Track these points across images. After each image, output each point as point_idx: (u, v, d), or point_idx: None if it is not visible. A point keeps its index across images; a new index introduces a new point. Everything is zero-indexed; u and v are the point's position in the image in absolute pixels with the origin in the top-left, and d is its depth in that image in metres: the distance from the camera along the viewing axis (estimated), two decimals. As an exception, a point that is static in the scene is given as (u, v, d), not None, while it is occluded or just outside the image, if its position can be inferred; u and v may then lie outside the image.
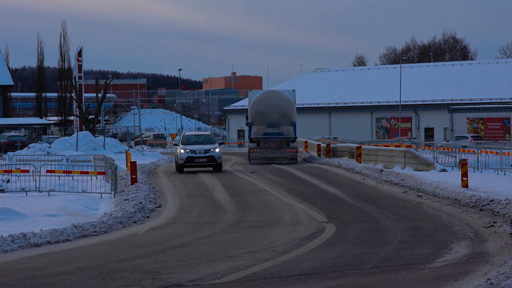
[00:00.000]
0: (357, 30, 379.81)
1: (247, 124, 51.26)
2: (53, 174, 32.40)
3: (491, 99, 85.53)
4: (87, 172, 32.97)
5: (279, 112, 48.45)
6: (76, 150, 54.50)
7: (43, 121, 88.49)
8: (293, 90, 51.13)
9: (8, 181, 33.20)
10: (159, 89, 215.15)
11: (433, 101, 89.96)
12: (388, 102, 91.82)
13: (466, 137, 69.61)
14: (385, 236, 18.71)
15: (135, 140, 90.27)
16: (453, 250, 16.42)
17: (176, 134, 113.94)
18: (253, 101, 49.31)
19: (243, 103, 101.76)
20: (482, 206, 23.79)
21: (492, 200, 23.95)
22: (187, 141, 41.88)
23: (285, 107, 48.59)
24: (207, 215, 24.38)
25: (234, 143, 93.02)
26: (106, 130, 74.15)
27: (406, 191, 29.73)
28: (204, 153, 40.30)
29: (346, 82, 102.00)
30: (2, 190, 31.45)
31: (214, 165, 40.72)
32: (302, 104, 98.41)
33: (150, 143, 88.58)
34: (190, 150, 40.30)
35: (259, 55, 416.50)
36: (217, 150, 40.59)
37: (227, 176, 39.12)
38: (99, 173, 33.47)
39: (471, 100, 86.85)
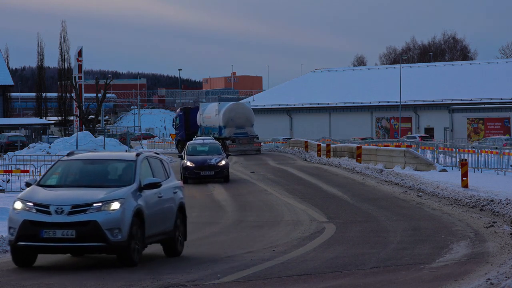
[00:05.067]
0: (357, 30, 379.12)
1: (173, 125, 73.93)
2: (53, 174, 32.32)
3: (491, 99, 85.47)
4: (87, 172, 32.87)
5: (244, 118, 65.01)
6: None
7: (43, 121, 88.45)
8: (249, 102, 73.73)
9: (8, 181, 33.16)
10: (159, 89, 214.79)
11: (433, 101, 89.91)
12: (388, 102, 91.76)
13: (414, 137, 72.15)
14: (385, 236, 18.71)
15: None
16: (453, 250, 16.42)
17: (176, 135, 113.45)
18: (225, 110, 64.98)
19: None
20: (482, 206, 23.78)
21: (492, 200, 23.94)
22: None
23: (248, 114, 65.86)
24: (207, 215, 24.39)
25: None
26: (106, 130, 73.93)
27: (406, 191, 29.72)
28: None
29: (346, 82, 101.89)
30: (2, 190, 31.42)
31: None
32: (302, 104, 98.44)
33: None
34: None
35: (259, 55, 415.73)
36: None
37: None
38: (99, 173, 33.37)
39: (471, 100, 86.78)
